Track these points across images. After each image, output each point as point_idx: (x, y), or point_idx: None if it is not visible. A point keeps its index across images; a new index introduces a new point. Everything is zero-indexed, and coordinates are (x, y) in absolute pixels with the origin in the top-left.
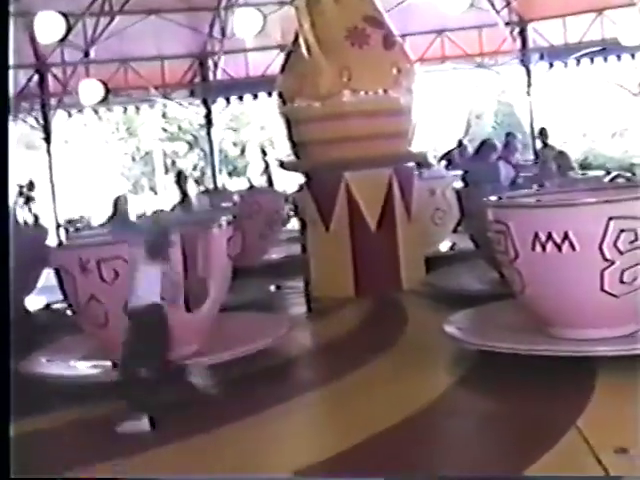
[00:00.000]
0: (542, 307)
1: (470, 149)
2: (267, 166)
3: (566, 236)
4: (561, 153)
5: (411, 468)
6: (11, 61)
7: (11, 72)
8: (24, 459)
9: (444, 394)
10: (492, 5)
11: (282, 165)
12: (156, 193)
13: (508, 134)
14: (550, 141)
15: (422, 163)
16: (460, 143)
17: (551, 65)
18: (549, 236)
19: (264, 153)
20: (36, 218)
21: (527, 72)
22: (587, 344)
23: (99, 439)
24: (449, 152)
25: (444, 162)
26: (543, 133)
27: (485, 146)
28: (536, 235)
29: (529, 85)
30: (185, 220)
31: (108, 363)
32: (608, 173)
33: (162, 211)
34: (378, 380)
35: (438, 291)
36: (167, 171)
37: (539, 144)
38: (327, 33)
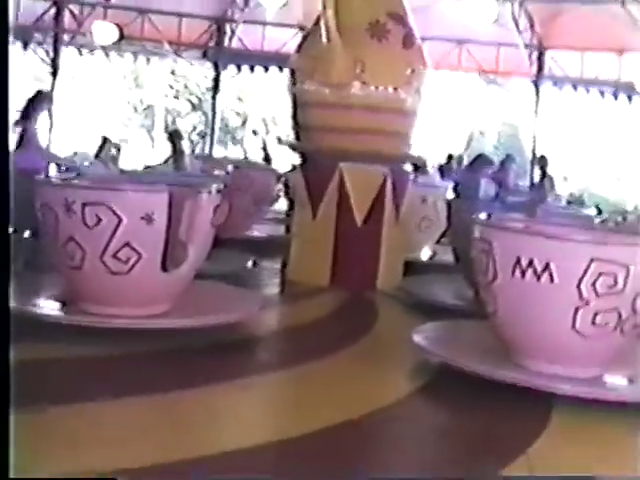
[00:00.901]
0: (511, 334)
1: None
2: (264, 144)
3: (547, 266)
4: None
5: (348, 466)
6: None
7: (29, 1)
8: None
9: (399, 400)
10: (516, 25)
11: (280, 142)
12: (153, 147)
13: (507, 156)
14: (549, 170)
15: (420, 168)
16: (450, 156)
17: (561, 89)
18: (530, 263)
19: (264, 130)
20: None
21: (537, 97)
22: (548, 379)
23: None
24: (447, 163)
25: (438, 172)
26: (543, 161)
27: (479, 160)
28: (518, 260)
29: (537, 111)
30: (175, 179)
31: (75, 307)
32: (600, 213)
33: (153, 167)
34: (336, 374)
35: (411, 297)
36: (167, 127)
37: (538, 171)
38: (349, 22)
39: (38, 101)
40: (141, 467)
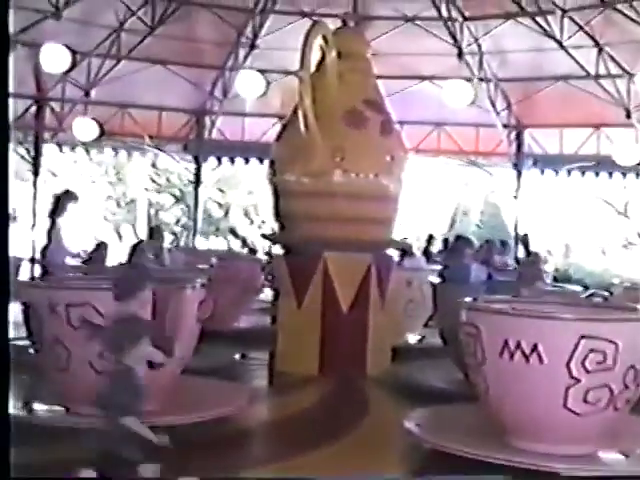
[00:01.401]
0: (503, 415)
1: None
2: (244, 241)
3: (535, 347)
4: (535, 256)
5: None
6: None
7: (11, 100)
8: None
9: None
10: (493, 106)
11: (263, 235)
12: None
13: (487, 241)
14: (532, 248)
15: (406, 251)
16: (431, 237)
17: (542, 172)
18: (518, 345)
19: (250, 220)
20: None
21: (518, 176)
22: (542, 458)
23: None
24: (428, 244)
25: (423, 255)
26: (525, 240)
27: (460, 242)
28: (506, 342)
29: (518, 189)
30: (159, 275)
31: (62, 409)
32: (586, 288)
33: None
34: (328, 466)
35: (401, 382)
36: (150, 221)
37: (521, 250)
38: (326, 110)
39: (65, 199)
40: None
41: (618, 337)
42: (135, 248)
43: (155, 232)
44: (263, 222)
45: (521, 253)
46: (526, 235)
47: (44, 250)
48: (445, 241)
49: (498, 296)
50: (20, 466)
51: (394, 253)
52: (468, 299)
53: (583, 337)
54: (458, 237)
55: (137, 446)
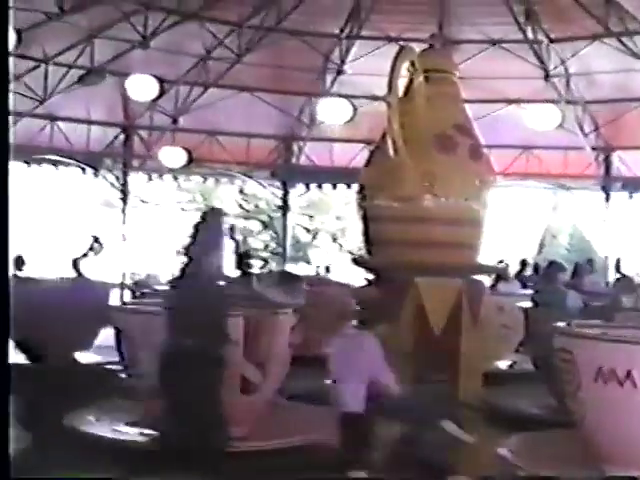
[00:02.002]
0: (599, 441)
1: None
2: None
3: (629, 374)
4: (629, 280)
5: None
6: (101, 117)
7: (99, 128)
8: None
9: None
10: (580, 128)
11: (355, 261)
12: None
13: (576, 264)
14: (624, 272)
15: (501, 276)
16: (524, 262)
17: (631, 195)
18: (612, 371)
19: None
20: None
21: (607, 199)
22: None
23: None
24: (521, 269)
25: (518, 280)
26: (618, 264)
27: (552, 267)
28: (599, 368)
29: (607, 212)
30: (252, 300)
31: (155, 433)
32: None
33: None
34: None
35: (492, 407)
36: (238, 248)
37: (614, 274)
38: (415, 135)
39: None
40: None
41: None
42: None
43: (244, 257)
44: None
45: (611, 277)
46: (618, 259)
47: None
48: (535, 265)
49: (591, 321)
50: None
51: (488, 278)
52: (561, 324)
53: None
54: (551, 262)
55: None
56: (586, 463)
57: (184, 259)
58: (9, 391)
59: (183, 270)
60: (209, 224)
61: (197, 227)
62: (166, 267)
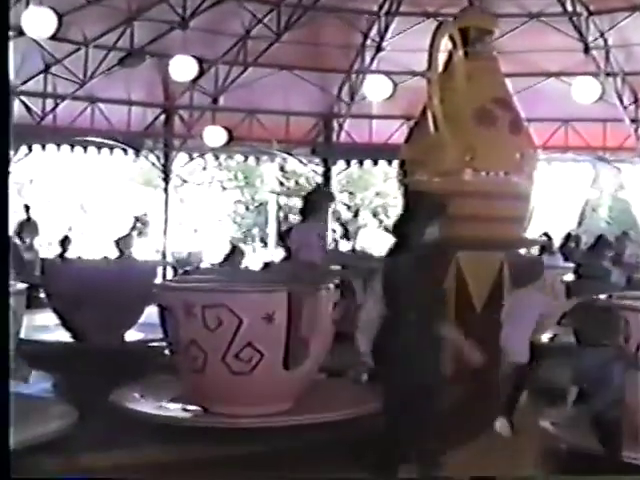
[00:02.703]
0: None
1: (584, 242)
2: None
3: None
4: None
5: None
6: (141, 98)
7: (140, 109)
8: None
9: None
10: (620, 100)
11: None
12: (266, 245)
13: (623, 233)
14: None
15: (545, 249)
16: (569, 235)
17: None
18: None
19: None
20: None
21: None
22: None
23: None
24: (565, 242)
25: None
26: None
27: (600, 242)
28: None
29: None
30: (292, 276)
31: (199, 408)
32: None
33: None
34: (464, 466)
35: (535, 381)
36: (280, 224)
37: None
38: (455, 109)
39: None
40: None
41: None
42: (233, 249)
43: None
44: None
45: None
46: None
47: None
48: (576, 238)
49: (634, 292)
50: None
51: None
52: (602, 296)
53: None
54: (599, 237)
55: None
56: (629, 436)
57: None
58: (9, 391)
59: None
60: None
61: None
62: (207, 245)
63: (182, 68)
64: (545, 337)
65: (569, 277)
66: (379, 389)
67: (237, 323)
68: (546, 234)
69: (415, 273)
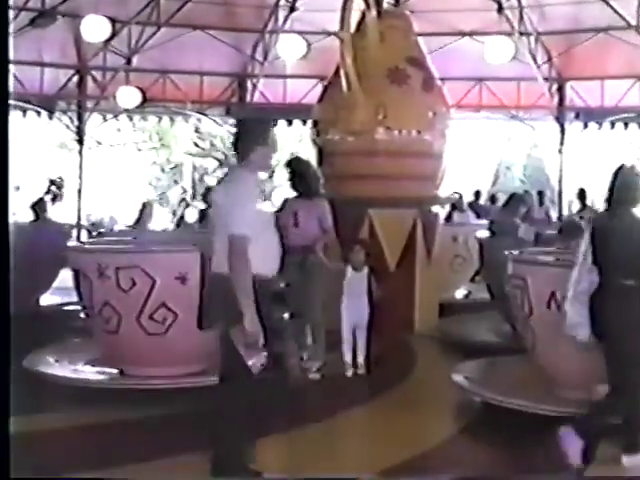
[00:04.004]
0: (551, 366)
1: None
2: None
3: None
4: (590, 209)
5: None
6: (54, 59)
7: (52, 70)
8: (21, 458)
9: (444, 442)
10: (534, 59)
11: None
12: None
13: (525, 191)
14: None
15: (456, 207)
16: (477, 193)
17: (585, 125)
18: (565, 296)
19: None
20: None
21: (561, 129)
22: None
23: (96, 444)
24: (475, 200)
25: (472, 211)
26: (582, 194)
27: (513, 200)
28: (553, 294)
29: (562, 143)
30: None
31: (115, 371)
32: None
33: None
34: (379, 420)
35: (449, 338)
36: (194, 185)
37: (577, 204)
38: (368, 69)
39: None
40: None
41: None
42: (143, 207)
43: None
44: None
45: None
46: (582, 190)
47: None
48: (491, 196)
49: (544, 248)
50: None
51: (443, 209)
52: (515, 252)
53: None
54: (512, 194)
55: None
56: (540, 387)
57: None
58: (9, 391)
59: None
60: None
61: None
62: (121, 208)
63: (94, 28)
64: (459, 294)
65: (482, 234)
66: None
67: (150, 284)
68: (456, 193)
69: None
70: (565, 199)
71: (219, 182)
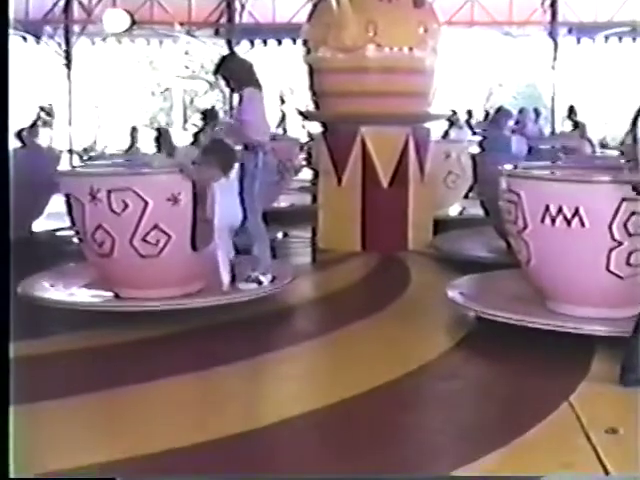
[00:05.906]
0: (545, 280)
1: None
2: (284, 115)
3: (577, 212)
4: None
5: (397, 429)
6: None
7: None
8: (19, 385)
9: (439, 357)
10: None
11: (301, 113)
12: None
13: (520, 110)
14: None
15: (453, 123)
16: (470, 111)
17: (578, 41)
18: (560, 210)
19: (282, 101)
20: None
21: (554, 45)
22: (586, 322)
23: (93, 368)
24: (469, 118)
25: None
26: (572, 111)
27: (500, 113)
28: (547, 208)
29: (554, 59)
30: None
31: (109, 294)
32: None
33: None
34: (374, 336)
35: (443, 254)
36: (185, 109)
37: (567, 121)
38: None
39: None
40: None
41: None
42: (133, 131)
43: (208, 116)
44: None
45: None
46: (572, 107)
47: None
48: (485, 113)
49: (538, 162)
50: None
51: (440, 125)
52: (508, 167)
53: (625, 200)
54: (498, 109)
55: None
56: (533, 301)
57: None
58: (9, 391)
59: None
60: None
61: None
62: (113, 132)
63: None
64: (454, 211)
65: (474, 150)
66: None
67: (143, 206)
68: (452, 110)
69: None
70: (558, 115)
71: None
